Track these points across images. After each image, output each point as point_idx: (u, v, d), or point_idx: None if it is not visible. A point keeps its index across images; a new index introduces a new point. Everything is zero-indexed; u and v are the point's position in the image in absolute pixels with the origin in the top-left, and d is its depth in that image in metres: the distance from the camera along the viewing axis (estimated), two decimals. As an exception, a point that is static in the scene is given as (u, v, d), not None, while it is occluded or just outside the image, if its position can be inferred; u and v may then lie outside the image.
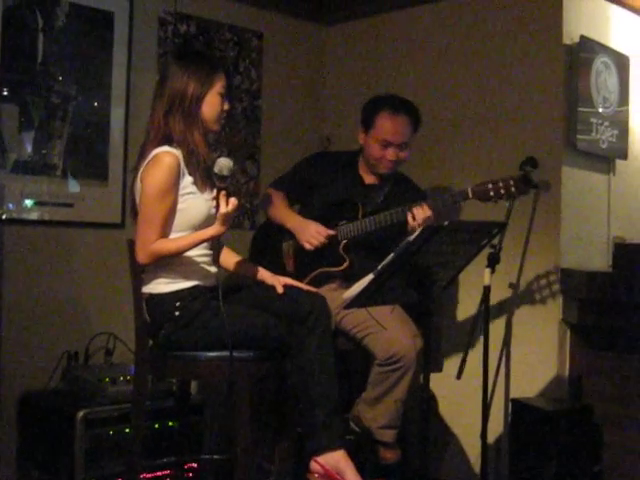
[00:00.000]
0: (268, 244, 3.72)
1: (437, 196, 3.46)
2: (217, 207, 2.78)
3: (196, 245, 2.90)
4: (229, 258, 3.23)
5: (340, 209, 3.60)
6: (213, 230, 2.84)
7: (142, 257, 2.89)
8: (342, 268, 3.55)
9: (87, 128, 3.90)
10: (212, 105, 2.98)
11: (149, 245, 2.86)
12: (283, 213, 3.68)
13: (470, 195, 3.33)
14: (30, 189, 3.72)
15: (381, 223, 3.46)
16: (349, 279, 3.52)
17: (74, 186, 3.86)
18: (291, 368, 2.96)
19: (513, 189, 3.29)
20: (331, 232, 3.54)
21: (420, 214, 3.33)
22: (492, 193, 3.30)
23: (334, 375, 2.95)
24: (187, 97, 2.93)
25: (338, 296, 3.25)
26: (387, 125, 3.56)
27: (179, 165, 2.89)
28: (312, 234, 3.53)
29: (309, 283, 3.52)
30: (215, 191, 2.79)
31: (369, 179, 3.70)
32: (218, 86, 2.98)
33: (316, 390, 2.91)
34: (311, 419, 2.91)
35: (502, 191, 3.29)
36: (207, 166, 2.95)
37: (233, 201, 2.77)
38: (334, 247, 3.55)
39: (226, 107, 3.02)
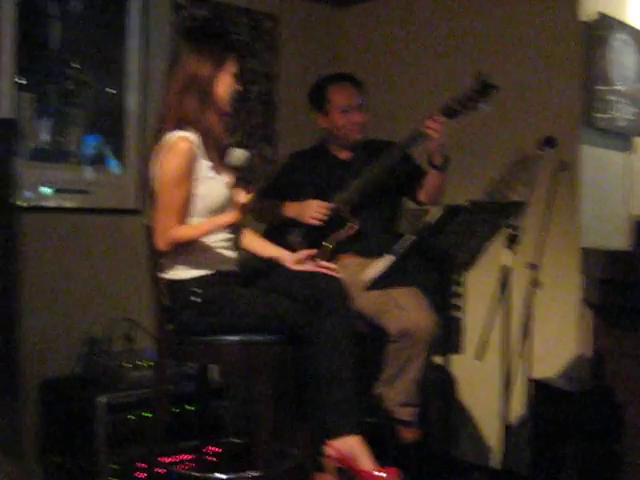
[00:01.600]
0: (276, 243, 3.77)
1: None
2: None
3: (215, 231, 2.90)
4: (251, 240, 3.23)
5: (329, 187, 3.68)
6: (232, 217, 2.83)
7: (161, 244, 2.88)
8: (351, 229, 3.60)
9: (103, 114, 3.90)
10: (225, 85, 2.97)
11: (168, 232, 2.85)
12: (281, 208, 3.74)
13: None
14: (47, 176, 3.73)
15: (377, 174, 3.57)
16: (360, 242, 3.61)
17: (91, 173, 3.86)
18: (309, 352, 2.95)
19: (474, 96, 3.39)
20: (330, 204, 3.62)
21: (437, 125, 3.44)
22: (458, 107, 3.42)
23: (351, 360, 2.94)
24: (201, 77, 2.92)
25: (351, 272, 3.26)
26: (340, 93, 3.74)
27: (194, 150, 2.88)
28: (314, 209, 3.62)
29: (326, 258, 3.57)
30: (233, 180, 2.78)
31: (343, 155, 3.81)
32: (231, 66, 2.98)
33: (333, 375, 2.90)
34: (327, 404, 2.90)
35: (466, 102, 3.40)
36: (223, 147, 2.95)
37: (251, 190, 2.77)
38: (337, 219, 3.61)
39: (238, 88, 3.02)
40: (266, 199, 3.81)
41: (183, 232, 2.86)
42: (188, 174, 2.86)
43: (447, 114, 3.42)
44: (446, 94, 4.27)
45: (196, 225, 2.90)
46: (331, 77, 3.84)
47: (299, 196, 3.73)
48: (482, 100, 3.38)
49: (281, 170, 3.94)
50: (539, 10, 3.99)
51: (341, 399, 2.88)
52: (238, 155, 2.76)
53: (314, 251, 3.23)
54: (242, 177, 2.79)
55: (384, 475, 2.79)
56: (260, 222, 3.81)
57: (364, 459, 2.85)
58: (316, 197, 3.67)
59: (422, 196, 3.66)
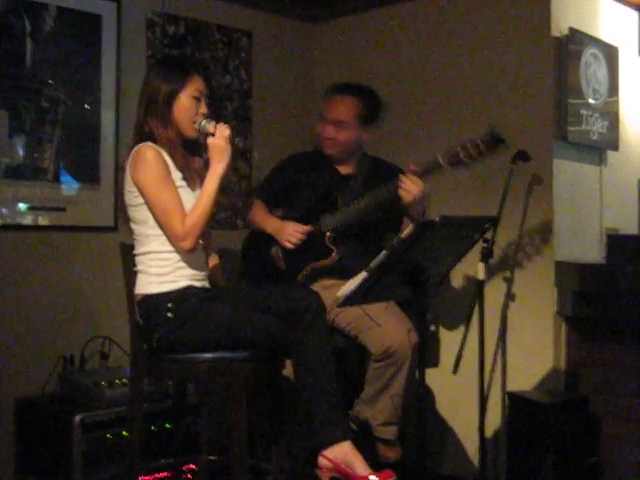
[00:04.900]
0: (258, 250, 3.75)
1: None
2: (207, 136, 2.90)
3: (214, 195, 2.88)
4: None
5: (320, 203, 3.64)
6: (213, 171, 2.88)
7: (184, 244, 2.87)
8: (330, 260, 3.58)
9: (78, 132, 3.89)
10: (183, 108, 2.97)
11: (181, 229, 2.85)
12: (262, 219, 3.73)
13: (442, 162, 3.28)
14: (22, 194, 3.72)
15: (366, 209, 3.47)
16: (340, 271, 3.56)
17: (66, 190, 3.85)
18: (293, 366, 2.95)
19: (482, 147, 3.22)
20: (307, 227, 3.58)
21: (413, 188, 3.30)
22: (463, 156, 3.24)
23: (334, 370, 2.95)
24: (159, 99, 2.95)
25: (331, 294, 3.25)
26: (327, 101, 3.67)
27: (162, 155, 2.91)
28: (290, 233, 3.58)
29: (301, 281, 3.55)
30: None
31: (344, 169, 3.73)
32: (191, 89, 2.98)
33: (318, 386, 2.89)
34: (315, 415, 2.89)
35: (472, 151, 3.23)
36: (194, 167, 3.02)
37: (221, 127, 2.88)
38: (320, 241, 3.58)
39: (202, 110, 3.01)
40: (257, 200, 3.81)
41: (192, 220, 2.86)
42: (167, 174, 2.90)
43: (452, 162, 3.27)
44: (419, 112, 4.32)
45: (195, 204, 2.90)
46: (339, 84, 3.74)
47: (292, 202, 3.72)
48: (488, 153, 3.24)
49: (277, 169, 3.88)
50: (511, 25, 4.02)
51: (329, 408, 2.88)
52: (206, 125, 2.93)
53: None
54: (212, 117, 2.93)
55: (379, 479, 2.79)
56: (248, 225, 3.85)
57: (358, 464, 2.83)
58: (307, 209, 3.64)
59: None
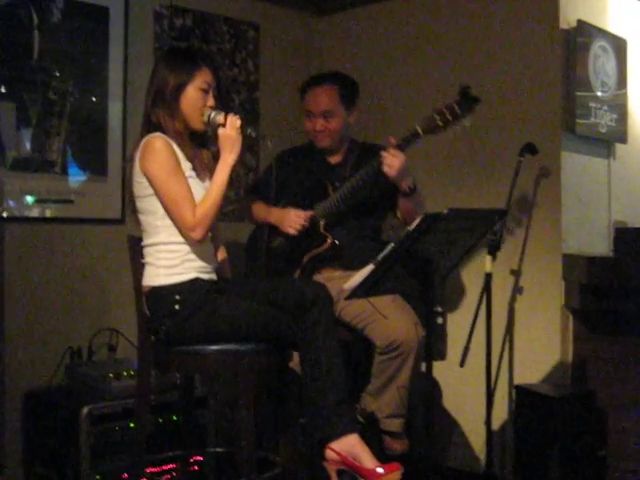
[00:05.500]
0: (260, 248, 3.75)
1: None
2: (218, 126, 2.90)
3: (224, 185, 2.88)
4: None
5: (311, 193, 3.65)
6: (224, 162, 2.87)
7: (194, 234, 2.87)
8: (326, 246, 3.58)
9: (85, 124, 3.89)
10: (191, 100, 2.97)
11: (192, 219, 2.85)
12: (264, 212, 3.73)
13: (420, 132, 3.29)
14: (30, 186, 3.72)
15: (354, 188, 3.48)
16: (339, 258, 3.59)
17: (74, 182, 3.86)
18: (299, 359, 2.95)
19: (458, 110, 3.21)
20: (309, 213, 3.59)
21: (395, 162, 3.32)
22: (440, 122, 3.24)
23: (341, 362, 2.94)
24: (167, 89, 2.96)
25: (336, 285, 3.26)
26: (307, 95, 3.68)
27: (170, 144, 2.92)
28: (292, 219, 3.59)
29: (302, 272, 3.57)
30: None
31: (334, 159, 3.75)
32: (199, 81, 2.98)
33: (326, 379, 2.88)
34: (322, 408, 2.88)
35: (448, 116, 3.22)
36: (203, 159, 3.02)
37: (232, 118, 2.88)
38: (315, 230, 3.60)
39: (209, 103, 3.01)
40: (253, 198, 3.81)
41: (202, 210, 2.86)
42: (177, 164, 2.90)
43: (430, 130, 3.27)
44: (427, 102, 4.30)
45: (205, 195, 2.90)
46: (316, 75, 3.81)
47: (283, 196, 3.72)
48: (465, 114, 3.22)
49: (270, 168, 3.85)
50: (519, 18, 4.01)
51: (336, 400, 2.87)
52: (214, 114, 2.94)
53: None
54: (222, 109, 2.93)
55: (386, 472, 2.78)
56: (248, 219, 3.84)
57: (365, 457, 2.83)
58: (299, 201, 3.65)
59: (399, 215, 3.64)
